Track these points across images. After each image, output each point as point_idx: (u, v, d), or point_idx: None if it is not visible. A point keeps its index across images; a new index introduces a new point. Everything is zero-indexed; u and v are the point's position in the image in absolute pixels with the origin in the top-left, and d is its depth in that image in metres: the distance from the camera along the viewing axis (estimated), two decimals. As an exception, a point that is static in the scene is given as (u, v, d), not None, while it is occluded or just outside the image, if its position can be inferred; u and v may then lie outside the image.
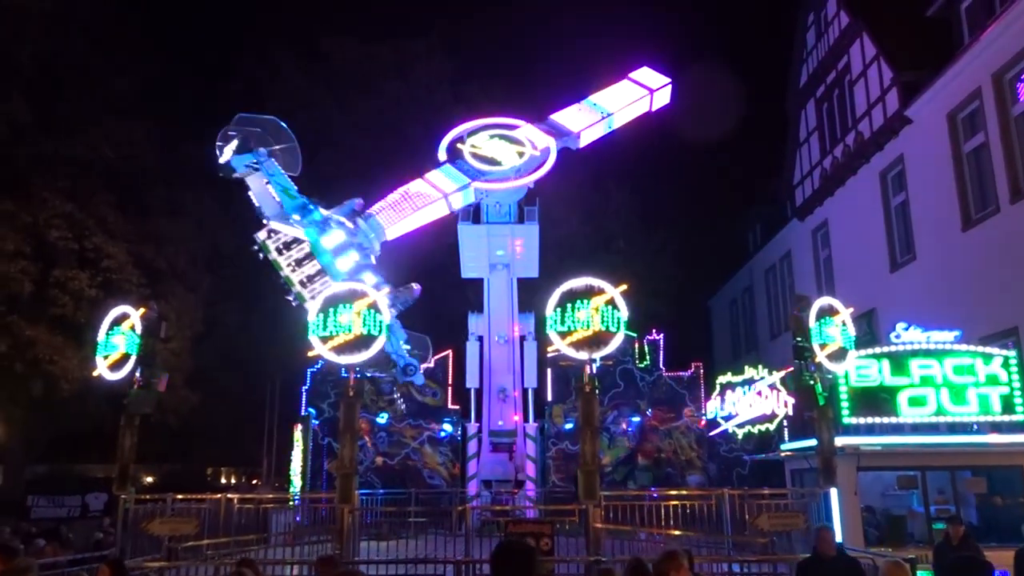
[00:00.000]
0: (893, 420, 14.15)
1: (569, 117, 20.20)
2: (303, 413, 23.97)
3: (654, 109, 21.40)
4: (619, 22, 49.71)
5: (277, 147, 16.43)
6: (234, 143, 16.05)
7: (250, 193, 16.40)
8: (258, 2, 45.24)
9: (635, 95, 20.92)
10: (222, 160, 16.18)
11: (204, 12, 44.71)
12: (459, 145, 19.07)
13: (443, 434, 23.70)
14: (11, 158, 25.23)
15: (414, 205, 17.64)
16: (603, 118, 20.36)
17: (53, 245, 24.75)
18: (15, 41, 24.69)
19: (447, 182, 18.22)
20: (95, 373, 12.51)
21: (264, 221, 16.08)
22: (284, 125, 16.95)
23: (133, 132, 27.53)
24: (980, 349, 14.47)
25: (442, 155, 19.06)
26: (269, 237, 15.82)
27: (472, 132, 19.31)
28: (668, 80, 21.26)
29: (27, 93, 25.27)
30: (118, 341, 12.29)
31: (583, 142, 20.39)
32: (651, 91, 21.00)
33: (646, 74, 21.36)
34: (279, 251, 15.73)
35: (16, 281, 23.66)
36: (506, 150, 19.01)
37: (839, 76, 23.29)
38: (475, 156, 18.80)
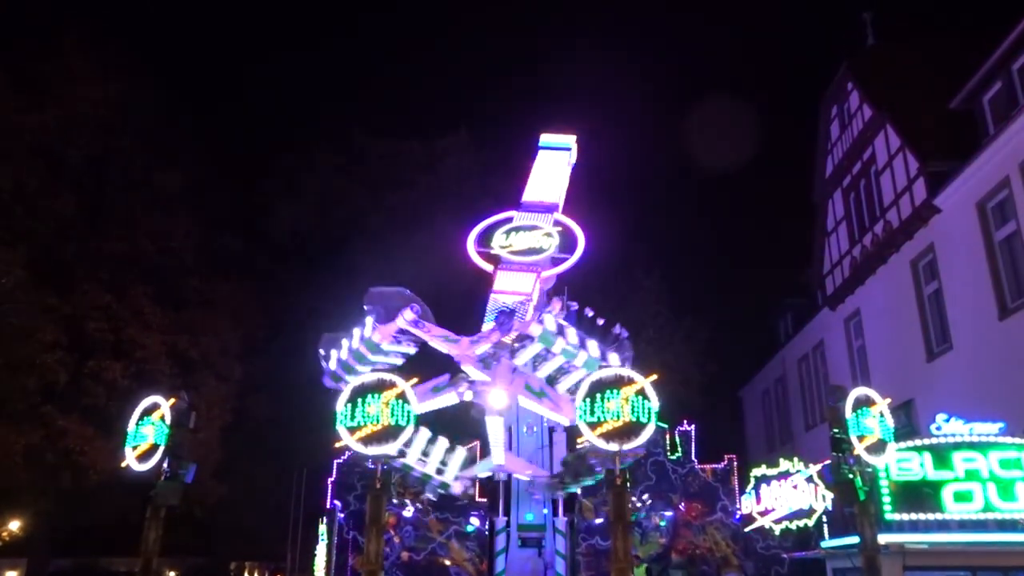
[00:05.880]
0: (939, 516, 13.56)
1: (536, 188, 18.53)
2: (329, 506, 23.58)
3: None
4: (640, 111, 50.96)
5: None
6: (345, 346, 13.65)
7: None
8: (297, 103, 47.29)
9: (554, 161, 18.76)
10: (331, 367, 13.68)
11: (245, 112, 46.77)
12: (492, 252, 17.31)
13: (470, 528, 23.14)
14: (56, 252, 26.05)
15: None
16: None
17: (90, 336, 25.20)
18: (68, 143, 25.89)
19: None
20: (123, 464, 12.48)
21: None
22: (409, 292, 14.62)
23: (173, 227, 28.35)
24: (1026, 442, 13.96)
25: (485, 264, 17.51)
26: None
27: (489, 234, 17.56)
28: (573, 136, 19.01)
29: (74, 190, 26.29)
30: (147, 431, 12.29)
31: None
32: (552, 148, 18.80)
33: (552, 138, 19.16)
34: None
35: (52, 371, 24.02)
36: (531, 238, 18.67)
37: (865, 167, 23.46)
38: (514, 254, 17.74)
